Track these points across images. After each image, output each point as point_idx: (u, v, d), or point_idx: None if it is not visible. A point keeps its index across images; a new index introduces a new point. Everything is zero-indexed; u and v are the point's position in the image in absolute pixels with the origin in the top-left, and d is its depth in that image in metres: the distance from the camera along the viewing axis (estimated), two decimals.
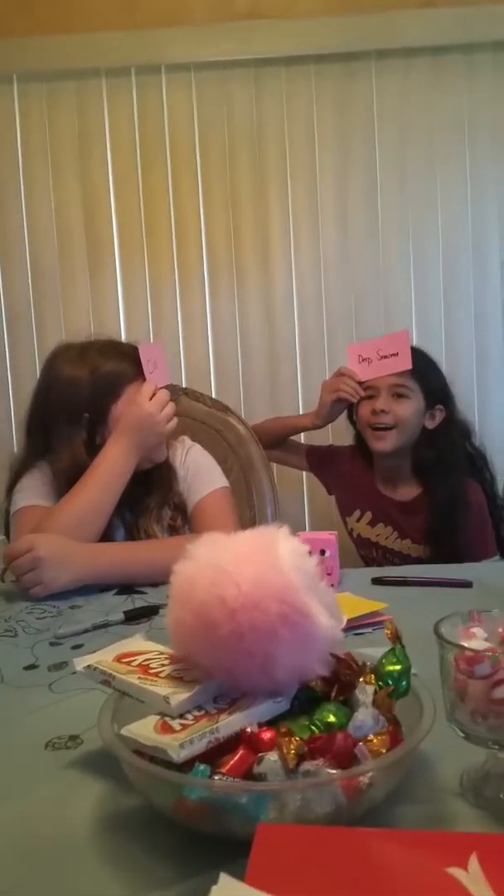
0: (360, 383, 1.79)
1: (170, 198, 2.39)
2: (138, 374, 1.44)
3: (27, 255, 2.42)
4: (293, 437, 2.06)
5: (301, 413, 2.25)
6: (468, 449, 1.85)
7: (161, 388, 1.44)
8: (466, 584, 1.22)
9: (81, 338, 1.51)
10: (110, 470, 1.37)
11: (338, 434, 2.12)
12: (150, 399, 1.40)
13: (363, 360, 1.78)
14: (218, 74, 2.33)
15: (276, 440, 2.01)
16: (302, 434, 2.06)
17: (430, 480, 1.81)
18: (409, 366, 1.72)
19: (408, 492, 1.86)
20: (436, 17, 2.27)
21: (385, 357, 1.74)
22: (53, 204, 2.40)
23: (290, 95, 2.35)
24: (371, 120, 2.36)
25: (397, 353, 1.73)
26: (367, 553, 1.91)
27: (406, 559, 1.83)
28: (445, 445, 1.80)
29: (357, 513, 1.92)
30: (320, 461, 2.04)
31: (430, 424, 1.82)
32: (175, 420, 1.46)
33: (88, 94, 2.36)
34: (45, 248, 2.41)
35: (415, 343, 1.88)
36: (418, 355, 1.79)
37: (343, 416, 1.92)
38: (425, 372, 1.80)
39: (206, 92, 2.35)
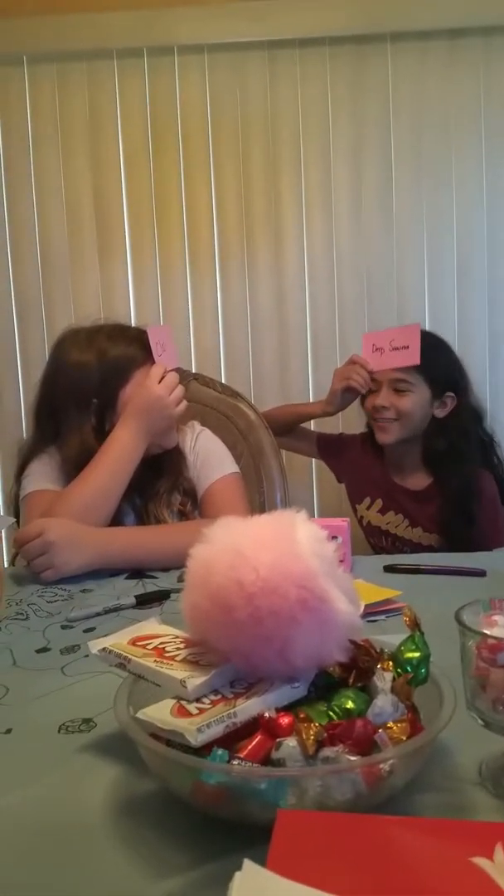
0: (370, 373, 1.78)
1: (181, 182, 2.37)
2: (147, 358, 1.43)
3: (37, 240, 2.40)
4: (303, 424, 2.04)
5: (312, 401, 2.24)
6: (479, 434, 1.83)
7: (170, 371, 1.43)
8: (480, 573, 1.21)
9: (89, 322, 1.50)
10: (119, 454, 1.36)
11: (348, 422, 2.11)
12: (159, 382, 1.39)
13: (376, 349, 1.77)
14: (231, 56, 2.31)
15: (287, 427, 2.00)
16: (311, 421, 2.06)
17: (442, 470, 1.79)
18: (416, 361, 1.70)
19: (420, 480, 1.85)
20: (452, 0, 2.24)
21: (396, 349, 1.73)
22: (63, 187, 2.38)
23: (303, 77, 2.32)
24: (386, 103, 2.32)
25: (408, 347, 1.71)
26: (377, 541, 1.90)
27: (416, 548, 1.82)
28: (457, 435, 1.78)
29: (367, 500, 1.91)
30: (330, 449, 2.03)
31: (441, 413, 1.80)
32: (184, 403, 1.45)
33: (99, 76, 2.34)
34: (55, 232, 2.39)
35: (427, 328, 1.86)
36: (424, 343, 1.76)
37: (355, 404, 1.91)
38: (429, 362, 1.75)
39: (218, 73, 2.32)
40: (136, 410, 1.38)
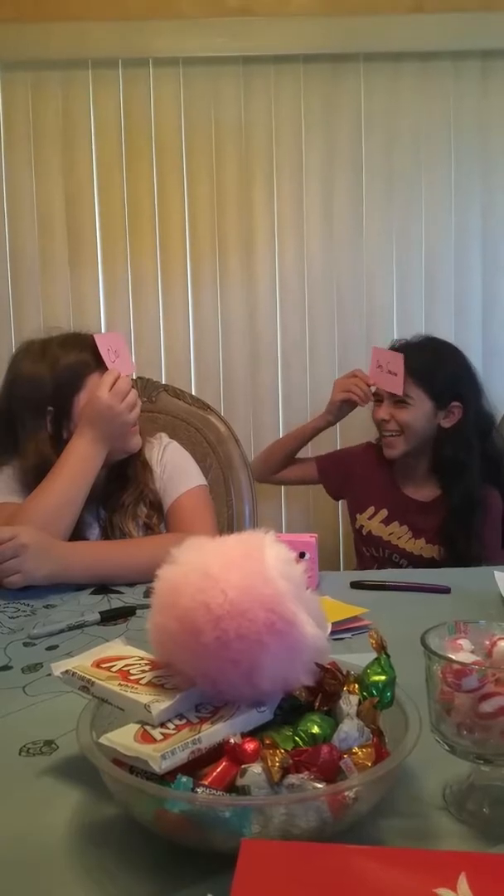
0: (370, 386, 1.85)
1: (154, 193, 2.36)
2: (100, 363, 1.43)
3: (7, 247, 2.37)
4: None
5: (288, 416, 2.26)
6: (485, 446, 1.81)
7: (123, 376, 1.42)
8: (444, 590, 1.22)
9: (46, 334, 1.50)
10: (76, 464, 1.35)
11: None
12: (111, 389, 1.39)
13: (379, 365, 1.82)
14: (206, 70, 2.31)
15: (290, 455, 2.02)
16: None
17: (448, 481, 1.79)
18: (398, 391, 1.76)
19: (429, 492, 1.84)
20: (425, 23, 2.27)
21: (389, 372, 1.78)
22: (35, 195, 2.36)
23: (278, 93, 2.34)
24: (358, 121, 2.35)
25: (396, 374, 1.76)
26: (374, 552, 1.88)
27: (416, 560, 1.80)
28: (461, 445, 1.78)
29: (371, 510, 1.89)
30: (332, 466, 2.02)
31: (448, 423, 1.79)
32: (138, 408, 1.44)
33: (74, 85, 2.32)
34: (26, 241, 2.37)
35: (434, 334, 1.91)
36: (422, 353, 1.79)
37: (357, 414, 1.94)
38: (428, 374, 1.77)
39: (193, 87, 2.33)
40: (89, 420, 1.38)
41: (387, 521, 1.86)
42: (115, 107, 2.34)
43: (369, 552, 1.90)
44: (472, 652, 0.63)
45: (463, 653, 0.62)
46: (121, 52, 2.29)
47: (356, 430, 2.08)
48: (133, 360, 1.53)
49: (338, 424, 2.03)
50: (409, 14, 2.27)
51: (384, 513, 1.87)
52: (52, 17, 2.25)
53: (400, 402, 1.78)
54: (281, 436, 2.16)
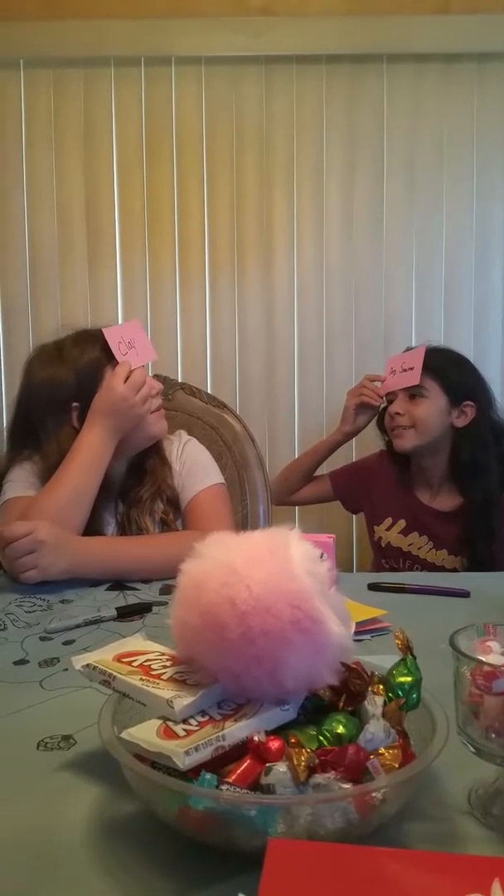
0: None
1: (174, 191, 2.36)
2: (112, 355, 1.43)
3: (26, 244, 2.38)
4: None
5: (302, 423, 2.25)
6: (501, 452, 1.78)
7: (137, 367, 1.42)
8: (464, 594, 1.21)
9: (53, 337, 1.50)
10: (87, 455, 1.35)
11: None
12: (125, 381, 1.38)
13: (392, 371, 1.83)
14: (228, 69, 2.31)
15: (308, 474, 2.00)
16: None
17: (467, 483, 1.77)
18: (415, 382, 1.75)
19: (449, 501, 1.81)
20: (449, 25, 2.26)
21: (405, 370, 1.78)
22: (55, 192, 2.36)
23: (299, 94, 2.33)
24: (380, 122, 2.34)
25: (412, 368, 1.76)
26: (395, 564, 1.85)
27: (438, 572, 1.76)
28: (477, 445, 1.76)
29: (388, 521, 1.86)
30: (346, 480, 1.99)
31: (461, 422, 1.77)
32: (154, 399, 1.44)
33: (96, 83, 2.33)
34: (45, 238, 2.37)
35: (413, 345, 1.91)
36: (440, 354, 1.80)
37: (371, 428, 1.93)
38: (444, 370, 1.77)
39: (215, 86, 2.33)
40: (101, 411, 1.38)
41: (405, 532, 1.83)
42: (136, 105, 2.34)
43: (389, 564, 1.87)
44: (502, 654, 0.62)
45: (493, 655, 0.61)
46: (143, 51, 2.30)
47: (371, 437, 2.05)
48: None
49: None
50: (433, 15, 2.26)
51: (402, 523, 1.84)
52: (75, 15, 2.26)
53: (415, 396, 1.77)
54: (295, 439, 2.16)
